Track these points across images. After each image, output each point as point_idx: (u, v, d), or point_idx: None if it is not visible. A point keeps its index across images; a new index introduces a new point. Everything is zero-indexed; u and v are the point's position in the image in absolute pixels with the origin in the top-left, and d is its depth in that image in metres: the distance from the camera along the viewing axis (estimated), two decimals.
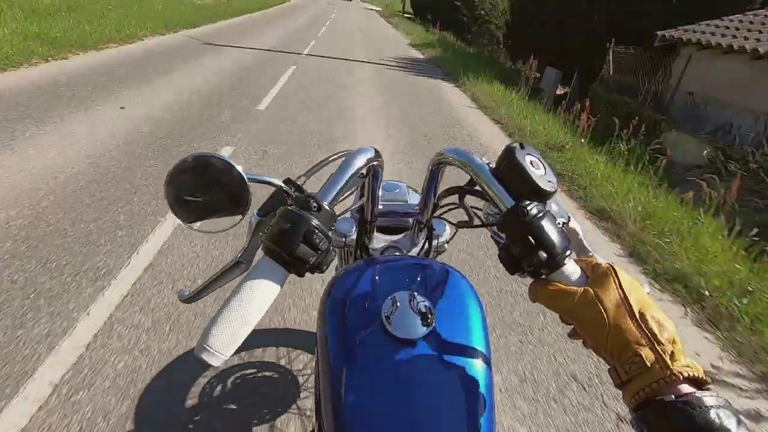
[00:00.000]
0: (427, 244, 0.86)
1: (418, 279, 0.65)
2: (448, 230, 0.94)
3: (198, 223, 0.56)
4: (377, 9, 35.12)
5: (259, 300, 0.45)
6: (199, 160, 0.53)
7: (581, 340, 0.49)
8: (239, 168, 0.53)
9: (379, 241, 0.91)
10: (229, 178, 0.53)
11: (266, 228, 0.54)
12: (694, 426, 0.37)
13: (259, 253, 0.52)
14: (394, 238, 0.93)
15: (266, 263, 0.47)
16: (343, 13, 25.97)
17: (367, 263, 0.72)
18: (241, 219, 0.55)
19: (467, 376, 0.56)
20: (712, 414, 0.37)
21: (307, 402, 1.50)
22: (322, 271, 0.50)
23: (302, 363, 1.65)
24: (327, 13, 23.56)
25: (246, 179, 0.53)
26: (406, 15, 29.38)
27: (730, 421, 0.37)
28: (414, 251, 0.89)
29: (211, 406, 1.46)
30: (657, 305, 0.45)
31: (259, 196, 0.55)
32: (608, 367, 0.45)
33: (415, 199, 0.98)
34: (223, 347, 0.42)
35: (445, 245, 0.93)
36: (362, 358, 0.58)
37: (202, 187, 0.54)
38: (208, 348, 0.42)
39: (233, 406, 1.47)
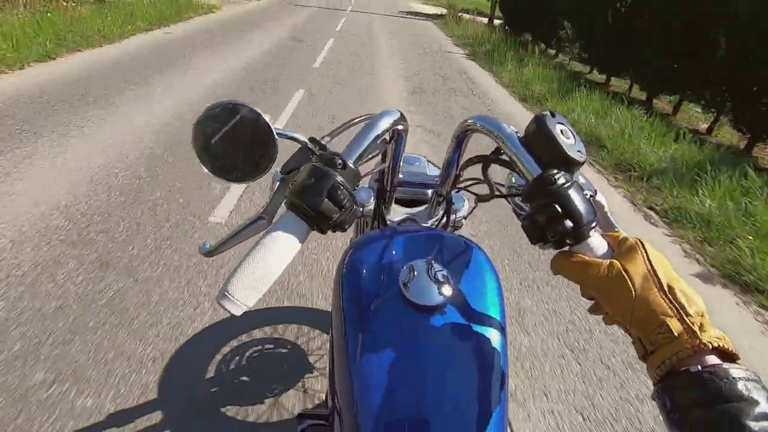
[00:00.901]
0: (444, 217, 0.85)
1: (436, 249, 0.65)
2: (467, 205, 0.93)
3: (223, 172, 0.56)
4: (433, 13, 17.10)
5: (281, 254, 0.45)
6: (228, 108, 0.53)
7: (602, 315, 0.48)
8: (267, 119, 0.52)
9: (397, 213, 0.90)
10: (257, 129, 0.53)
11: (290, 185, 0.54)
12: (721, 397, 0.36)
13: (282, 210, 0.52)
14: (412, 210, 0.92)
15: (289, 218, 0.47)
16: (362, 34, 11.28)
17: (385, 232, 0.72)
18: (267, 171, 0.55)
19: (482, 344, 0.56)
20: (740, 386, 0.36)
21: (311, 381, 1.52)
22: (344, 230, 0.50)
23: (319, 342, 1.66)
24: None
25: (274, 132, 0.53)
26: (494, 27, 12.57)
27: (759, 394, 0.36)
28: (431, 224, 0.88)
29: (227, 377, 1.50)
30: (685, 282, 0.44)
31: (280, 159, 0.55)
32: (631, 340, 0.44)
33: (434, 172, 0.97)
34: (244, 297, 0.43)
35: (463, 220, 0.93)
36: (378, 324, 0.58)
37: (230, 137, 0.54)
38: (229, 297, 0.42)
39: (245, 378, 1.50)
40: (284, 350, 1.62)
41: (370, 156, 0.56)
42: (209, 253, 0.55)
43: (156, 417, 1.33)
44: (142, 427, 1.29)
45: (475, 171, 0.68)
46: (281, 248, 0.45)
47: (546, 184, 0.48)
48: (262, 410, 1.39)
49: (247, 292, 0.43)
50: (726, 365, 0.38)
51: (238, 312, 0.43)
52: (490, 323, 0.58)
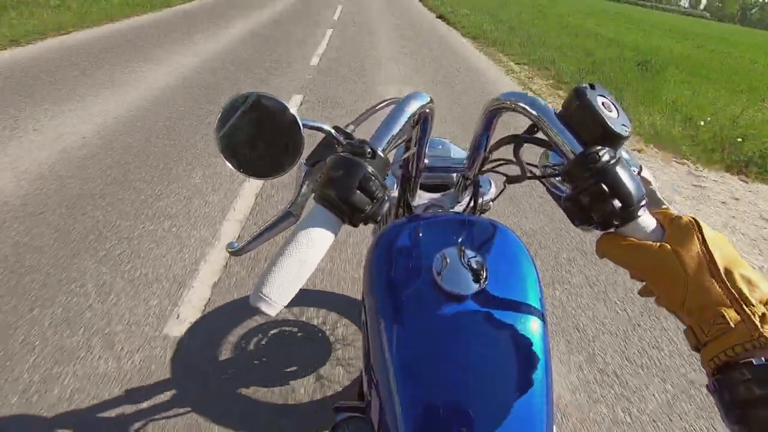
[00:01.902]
0: (472, 201, 0.83)
1: (467, 235, 0.63)
2: (494, 188, 0.90)
3: (248, 168, 0.54)
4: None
5: (313, 250, 0.43)
6: (250, 101, 0.51)
7: (654, 298, 0.45)
8: (294, 111, 0.50)
9: (421, 199, 0.88)
10: (282, 121, 0.51)
11: (317, 177, 0.52)
12: None
13: (310, 203, 0.50)
14: (437, 195, 0.90)
15: (319, 212, 0.45)
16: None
17: (412, 219, 0.70)
18: (294, 165, 0.53)
19: (521, 334, 0.54)
20: None
21: (327, 370, 1.51)
22: (376, 222, 0.48)
23: (343, 331, 1.66)
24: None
25: (300, 124, 0.50)
26: None
27: None
28: (458, 209, 0.86)
29: (245, 356, 1.52)
30: (748, 264, 0.41)
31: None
32: (684, 328, 0.41)
33: (459, 155, 0.94)
34: (278, 297, 0.41)
35: (490, 203, 0.90)
36: (414, 315, 0.57)
37: (254, 130, 0.52)
38: (264, 297, 0.41)
39: (264, 359, 1.52)
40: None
41: (400, 141, 0.54)
42: (237, 252, 0.54)
43: None
44: None
45: (503, 152, 0.65)
46: (313, 244, 0.43)
47: (590, 162, 0.45)
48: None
49: (282, 292, 0.41)
50: None
51: (273, 312, 0.42)
52: (529, 309, 0.56)
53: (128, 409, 1.29)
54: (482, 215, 0.89)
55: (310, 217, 0.45)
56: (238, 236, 2.10)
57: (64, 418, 1.26)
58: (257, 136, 0.52)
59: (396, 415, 0.51)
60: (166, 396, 1.34)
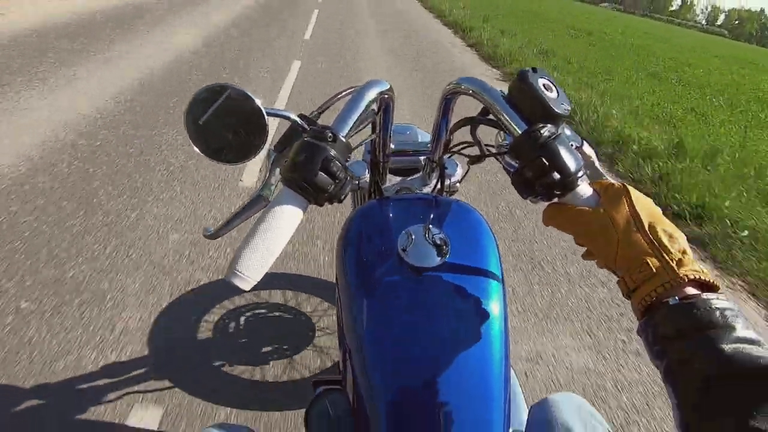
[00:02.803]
0: (439, 183, 0.87)
1: (432, 214, 0.67)
2: (460, 170, 0.95)
3: (216, 154, 0.57)
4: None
5: (283, 228, 0.47)
6: (217, 91, 0.53)
7: (595, 260, 0.51)
8: (258, 101, 0.53)
9: (392, 182, 0.92)
10: (247, 110, 0.54)
11: (284, 162, 0.55)
12: (698, 325, 0.37)
13: (279, 187, 0.53)
14: (407, 179, 0.93)
15: (287, 193, 0.48)
16: None
17: (381, 201, 0.74)
18: (259, 151, 0.56)
19: (482, 303, 0.59)
20: (717, 314, 0.37)
21: (322, 340, 1.59)
22: (340, 201, 0.51)
23: (311, 306, 1.74)
24: None
25: (264, 112, 0.53)
26: None
27: (735, 320, 0.37)
28: (426, 191, 0.90)
29: (227, 342, 1.57)
30: (668, 221, 0.46)
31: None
32: (617, 279, 0.46)
33: (425, 139, 0.98)
34: (252, 272, 0.45)
35: (457, 185, 0.94)
36: (380, 289, 0.60)
37: (221, 119, 0.55)
38: (238, 273, 0.44)
39: (252, 344, 1.57)
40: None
41: (360, 127, 0.57)
42: (212, 236, 0.57)
43: None
44: None
45: (466, 134, 0.69)
46: (282, 223, 0.47)
47: (532, 139, 0.49)
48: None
49: (255, 268, 0.45)
50: (704, 295, 0.39)
51: (247, 287, 0.45)
52: (488, 277, 0.61)
53: None
54: (451, 195, 0.93)
55: (279, 199, 0.48)
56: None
57: None
58: (224, 124, 0.55)
59: (368, 386, 0.55)
60: None
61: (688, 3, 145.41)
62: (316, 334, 1.62)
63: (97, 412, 1.27)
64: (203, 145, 0.56)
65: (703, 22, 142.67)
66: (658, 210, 0.47)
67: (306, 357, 1.52)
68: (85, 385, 1.34)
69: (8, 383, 1.31)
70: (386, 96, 0.62)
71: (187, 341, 1.53)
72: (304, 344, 1.57)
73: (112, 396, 1.31)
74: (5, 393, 1.29)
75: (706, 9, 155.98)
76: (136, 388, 1.34)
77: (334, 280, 0.72)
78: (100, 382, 1.35)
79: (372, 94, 0.58)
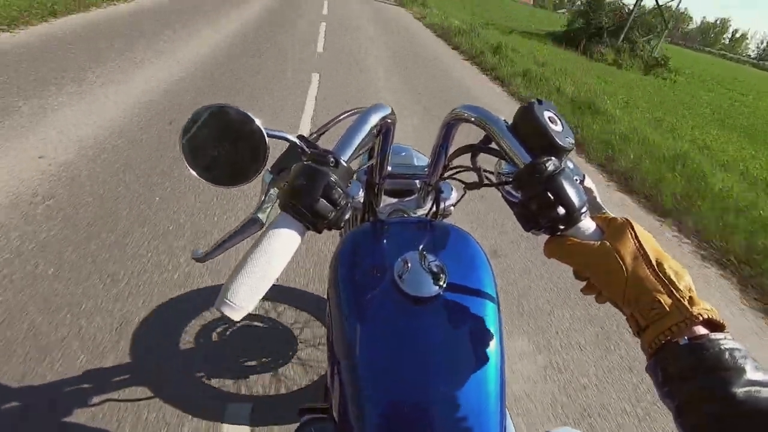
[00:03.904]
0: (434, 206, 0.86)
1: (427, 239, 0.66)
2: (455, 193, 0.94)
3: (212, 176, 0.55)
4: None
5: (278, 255, 0.45)
6: (215, 112, 0.51)
7: (595, 294, 0.50)
8: (258, 122, 0.51)
9: (386, 204, 0.90)
10: (246, 132, 0.52)
11: (281, 185, 0.53)
12: (706, 366, 0.37)
13: (275, 210, 0.51)
14: (401, 201, 0.92)
15: (285, 218, 0.46)
16: None
17: (376, 224, 0.72)
18: (259, 173, 0.54)
19: (478, 335, 0.58)
20: (727, 356, 0.37)
21: (306, 352, 1.57)
22: (339, 228, 0.50)
23: (292, 317, 1.72)
24: None
25: (265, 133, 0.52)
26: None
27: (745, 362, 0.37)
28: (420, 213, 0.89)
29: (211, 355, 1.52)
30: (672, 258, 0.45)
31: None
32: (625, 316, 0.45)
33: (421, 162, 0.97)
34: (244, 302, 0.42)
35: (451, 208, 0.93)
36: (377, 318, 0.59)
37: (219, 140, 0.52)
38: (229, 302, 0.42)
39: (236, 356, 1.54)
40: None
41: (362, 150, 0.56)
42: (201, 259, 0.54)
43: None
44: None
45: (463, 159, 0.68)
46: (278, 251, 0.45)
47: (536, 172, 0.48)
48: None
49: (247, 297, 0.43)
50: (713, 335, 0.39)
51: (237, 317, 0.43)
52: (484, 309, 0.60)
53: None
54: (444, 219, 0.92)
55: (276, 224, 0.46)
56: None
57: None
58: (222, 145, 0.53)
59: (356, 410, 0.53)
60: None
61: (739, 37, 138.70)
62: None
63: None
64: (197, 164, 0.53)
65: (754, 53, 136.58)
66: (659, 245, 0.47)
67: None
68: None
69: None
70: (388, 120, 0.61)
71: None
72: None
73: None
74: None
75: (762, 43, 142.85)
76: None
77: (326, 296, 0.69)
78: None
79: (375, 119, 0.57)
